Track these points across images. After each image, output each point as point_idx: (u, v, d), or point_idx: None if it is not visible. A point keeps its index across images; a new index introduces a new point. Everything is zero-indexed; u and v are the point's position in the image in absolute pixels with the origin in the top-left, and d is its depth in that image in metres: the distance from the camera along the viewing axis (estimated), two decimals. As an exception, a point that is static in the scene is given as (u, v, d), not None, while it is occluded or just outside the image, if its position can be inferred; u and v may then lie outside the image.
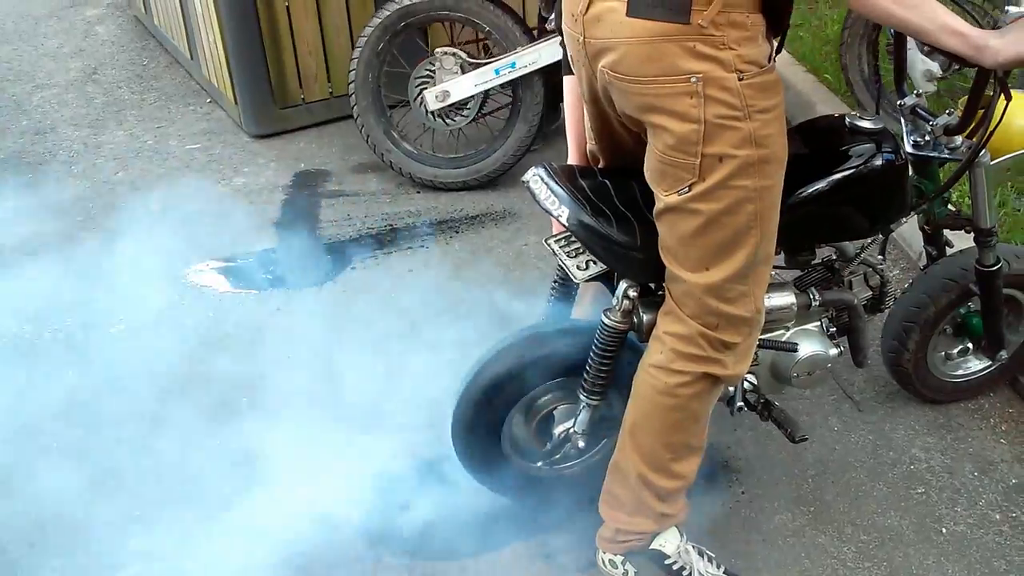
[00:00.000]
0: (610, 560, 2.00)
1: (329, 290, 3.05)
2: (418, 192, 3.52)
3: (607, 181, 1.84)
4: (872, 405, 2.51)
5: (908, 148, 2.00)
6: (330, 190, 3.56)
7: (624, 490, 1.90)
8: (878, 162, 1.84)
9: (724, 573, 1.97)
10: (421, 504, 2.24)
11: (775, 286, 1.96)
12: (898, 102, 2.06)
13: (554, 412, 2.09)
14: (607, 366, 1.89)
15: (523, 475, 2.14)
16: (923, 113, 2.01)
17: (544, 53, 3.26)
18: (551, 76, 3.27)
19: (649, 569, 2.00)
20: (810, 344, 2.02)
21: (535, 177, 1.86)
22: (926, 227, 2.24)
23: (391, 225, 3.37)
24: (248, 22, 3.60)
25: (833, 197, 1.84)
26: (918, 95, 2.04)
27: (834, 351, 2.04)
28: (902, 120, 2.05)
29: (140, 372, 2.64)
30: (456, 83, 3.33)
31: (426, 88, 3.36)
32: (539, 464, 2.14)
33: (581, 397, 1.95)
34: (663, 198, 1.62)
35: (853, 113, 1.94)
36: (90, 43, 4.82)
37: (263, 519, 2.14)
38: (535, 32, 3.37)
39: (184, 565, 2.08)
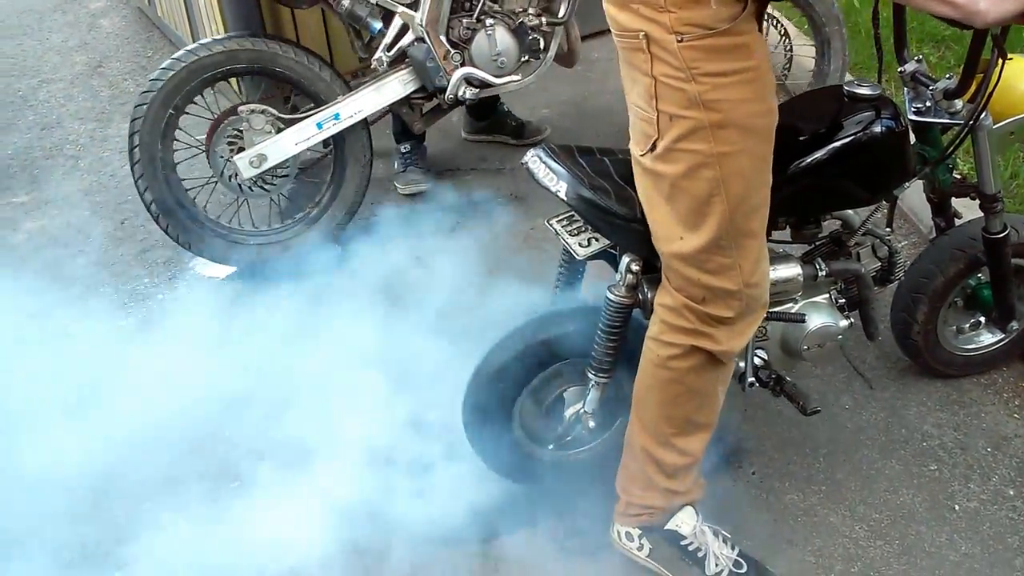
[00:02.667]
0: (626, 533, 1.99)
1: (336, 277, 3.04)
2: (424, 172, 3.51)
3: (605, 158, 1.86)
4: (884, 383, 2.50)
5: (910, 115, 1.99)
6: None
7: (634, 464, 1.91)
8: (878, 129, 1.84)
9: (739, 555, 1.96)
10: (431, 490, 2.24)
11: (780, 258, 1.96)
12: (899, 69, 2.05)
13: (564, 395, 2.09)
14: (614, 342, 1.90)
15: (535, 461, 2.14)
16: (923, 79, 2.00)
17: (368, 100, 2.98)
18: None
19: (665, 549, 1.98)
20: (819, 316, 2.01)
21: (534, 157, 1.87)
22: (932, 196, 2.23)
23: (396, 210, 3.36)
24: (251, 12, 3.56)
25: (834, 166, 1.84)
26: (918, 61, 2.03)
27: (844, 323, 2.04)
28: (904, 87, 2.05)
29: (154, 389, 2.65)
30: (272, 144, 2.90)
31: (232, 153, 2.93)
32: (551, 448, 2.15)
33: (589, 375, 1.96)
34: (638, 158, 1.64)
35: (852, 80, 1.93)
36: (94, 36, 4.83)
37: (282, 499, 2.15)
38: (347, 78, 3.08)
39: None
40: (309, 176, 3.20)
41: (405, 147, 3.50)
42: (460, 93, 3.01)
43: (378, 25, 3.04)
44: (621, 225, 1.77)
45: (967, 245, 2.22)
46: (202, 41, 2.89)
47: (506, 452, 2.10)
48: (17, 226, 3.36)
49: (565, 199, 1.79)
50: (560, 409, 2.10)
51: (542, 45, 3.06)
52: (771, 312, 1.93)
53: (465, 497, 2.18)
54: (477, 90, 3.05)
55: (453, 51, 2.99)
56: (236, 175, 2.93)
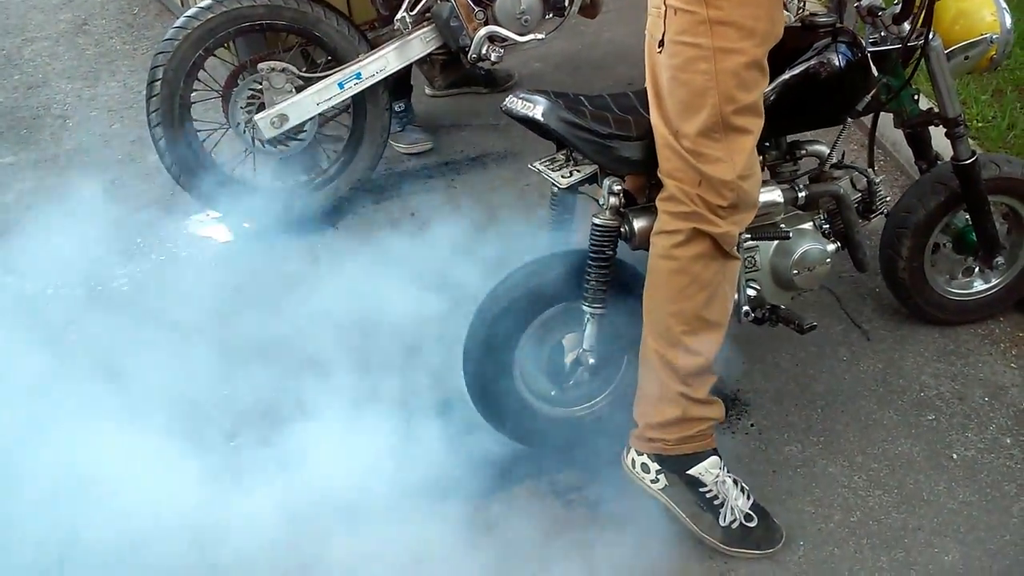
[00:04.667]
0: (642, 464, 1.95)
1: (332, 236, 3.03)
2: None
3: (580, 96, 1.94)
4: (881, 334, 2.50)
5: (868, 48, 2.05)
6: (334, 135, 3.51)
7: (648, 376, 1.91)
8: (836, 51, 1.92)
9: (752, 507, 1.96)
10: (431, 446, 2.25)
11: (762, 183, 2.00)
12: (854, 4, 2.12)
13: (563, 342, 2.10)
14: (604, 269, 1.94)
15: (542, 421, 2.15)
16: (876, 10, 2.09)
17: (391, 58, 2.92)
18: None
19: (683, 491, 1.93)
20: (805, 240, 2.10)
21: (511, 98, 1.96)
22: (905, 129, 2.30)
23: (391, 169, 3.33)
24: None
25: (798, 89, 1.92)
26: None
27: (831, 246, 2.13)
28: (863, 21, 2.14)
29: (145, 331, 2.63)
30: (294, 104, 2.87)
31: (252, 111, 2.91)
32: (556, 404, 2.15)
33: (584, 309, 1.98)
34: (654, 57, 1.77)
35: (811, 13, 2.00)
36: (78, -7, 4.74)
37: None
38: (367, 33, 3.02)
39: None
40: (323, 140, 3.17)
41: (400, 106, 3.46)
42: (484, 51, 2.97)
43: None
44: (598, 143, 1.85)
45: (947, 179, 2.27)
46: None
47: (512, 413, 2.11)
48: (7, 187, 3.32)
49: (542, 120, 1.85)
50: (561, 359, 2.10)
51: (567, 0, 3.03)
52: (756, 227, 1.99)
53: (467, 452, 2.19)
54: (502, 50, 3.00)
55: (477, 9, 2.95)
56: (255, 133, 2.91)
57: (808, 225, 2.14)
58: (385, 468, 2.15)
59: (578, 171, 1.97)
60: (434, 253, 2.72)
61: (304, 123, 2.93)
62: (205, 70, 2.88)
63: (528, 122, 1.91)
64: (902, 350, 2.45)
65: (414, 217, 3.08)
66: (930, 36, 2.03)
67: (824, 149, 2.13)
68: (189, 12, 2.82)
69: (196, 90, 2.88)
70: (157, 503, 2.03)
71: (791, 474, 2.14)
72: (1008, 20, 2.18)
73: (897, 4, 2.07)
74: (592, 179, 1.99)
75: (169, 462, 2.13)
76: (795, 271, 2.10)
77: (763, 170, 2.04)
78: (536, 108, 1.87)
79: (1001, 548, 1.94)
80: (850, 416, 2.27)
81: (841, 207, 2.16)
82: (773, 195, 2.04)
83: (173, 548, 1.98)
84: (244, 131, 2.96)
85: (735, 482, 1.96)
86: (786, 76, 1.91)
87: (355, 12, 3.32)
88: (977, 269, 2.46)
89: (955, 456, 2.16)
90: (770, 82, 1.83)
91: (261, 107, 2.91)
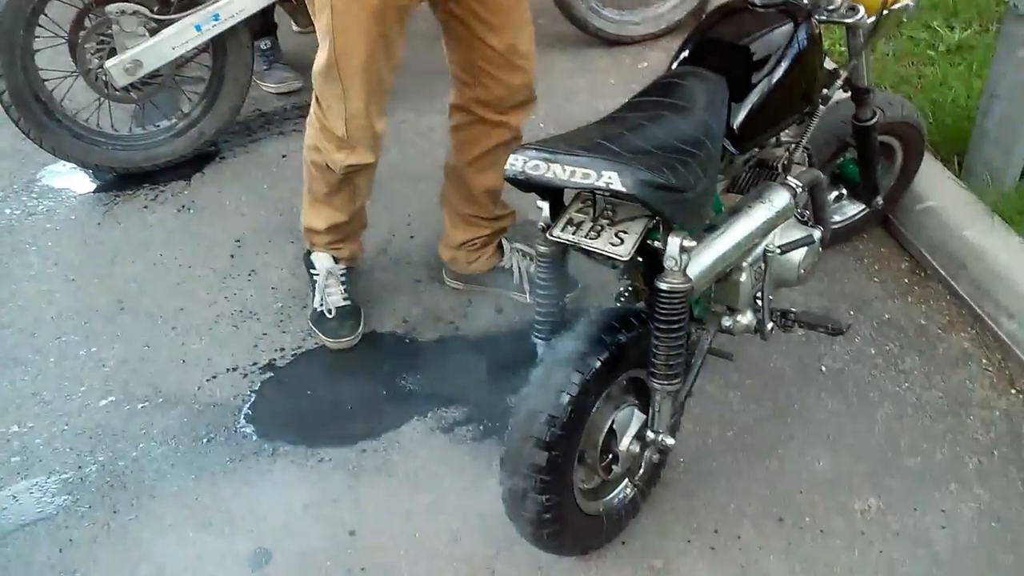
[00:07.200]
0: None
1: (198, 182, 2.92)
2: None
3: (609, 127, 1.60)
4: (753, 256, 2.56)
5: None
6: (195, 76, 3.37)
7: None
8: (802, 34, 1.79)
9: (339, 308, 2.34)
10: (314, 390, 2.22)
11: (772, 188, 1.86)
12: None
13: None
14: (681, 339, 1.61)
15: None
16: None
17: None
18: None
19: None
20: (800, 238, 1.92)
21: (519, 159, 1.52)
22: None
23: (259, 110, 3.22)
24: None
25: (781, 80, 1.76)
26: None
27: (818, 233, 1.94)
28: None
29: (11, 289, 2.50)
30: (148, 49, 2.71)
31: (103, 57, 2.73)
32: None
33: (656, 387, 1.65)
34: None
35: None
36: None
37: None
38: None
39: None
40: (183, 82, 2.99)
41: (265, 44, 3.34)
42: None
43: None
44: (682, 199, 1.47)
45: (838, 129, 2.28)
46: None
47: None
48: None
49: (629, 191, 1.42)
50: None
51: None
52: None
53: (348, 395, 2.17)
54: None
55: None
56: (107, 80, 2.74)
57: (790, 222, 1.92)
58: (271, 411, 2.12)
59: (624, 233, 1.56)
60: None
61: (160, 68, 2.77)
62: (46, 14, 2.68)
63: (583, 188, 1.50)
64: (773, 270, 2.52)
65: (285, 159, 2.99)
66: (858, 12, 1.90)
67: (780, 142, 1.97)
68: None
69: (39, 36, 2.68)
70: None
71: (671, 395, 2.19)
72: None
73: None
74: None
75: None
76: (802, 270, 1.92)
77: (758, 177, 1.93)
78: (597, 175, 1.44)
79: (867, 452, 2.04)
80: (723, 337, 2.32)
81: (817, 191, 1.98)
82: (784, 199, 1.84)
83: None
84: (96, 78, 2.78)
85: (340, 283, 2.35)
86: (768, 69, 1.74)
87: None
88: (847, 193, 2.53)
89: (824, 368, 2.25)
90: (754, 79, 1.73)
91: (113, 52, 2.73)
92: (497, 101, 2.13)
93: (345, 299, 2.34)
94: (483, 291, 2.45)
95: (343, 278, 2.36)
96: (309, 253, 2.40)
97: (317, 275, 2.36)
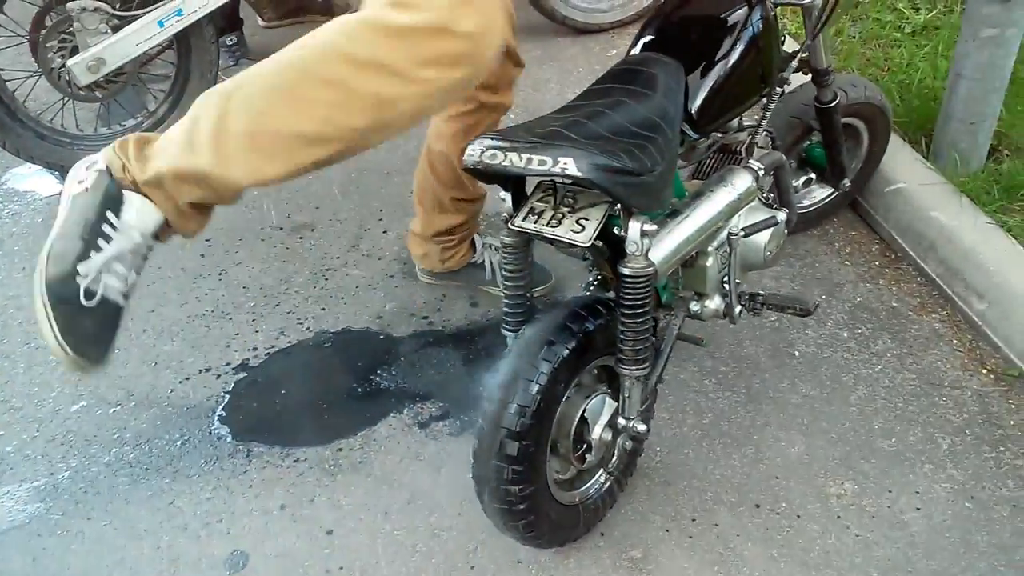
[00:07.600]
0: None
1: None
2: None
3: (566, 115, 1.58)
4: (725, 242, 2.57)
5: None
6: (161, 74, 3.33)
7: None
8: (757, 16, 1.79)
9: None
10: (288, 389, 2.20)
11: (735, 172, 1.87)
12: None
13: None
14: (646, 324, 1.61)
15: None
16: None
17: None
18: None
19: None
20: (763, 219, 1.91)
21: (476, 149, 1.51)
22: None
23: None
24: None
25: (737, 64, 1.77)
26: None
27: (782, 215, 1.93)
28: None
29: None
30: (111, 46, 2.68)
31: (65, 56, 2.69)
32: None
33: (624, 373, 1.65)
34: None
35: None
36: None
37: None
38: None
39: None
40: (148, 79, 2.96)
41: (231, 39, 3.30)
42: None
43: None
44: (637, 184, 1.46)
45: (802, 113, 2.29)
46: None
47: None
48: None
49: (583, 176, 1.41)
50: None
51: None
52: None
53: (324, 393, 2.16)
54: None
55: None
56: (70, 79, 2.69)
57: (755, 204, 1.90)
58: (235, 405, 2.10)
59: (585, 219, 1.55)
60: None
61: (124, 65, 2.74)
62: (5, 13, 2.64)
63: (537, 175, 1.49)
64: (745, 256, 2.52)
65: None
66: None
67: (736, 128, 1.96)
68: None
69: None
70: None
71: (646, 384, 2.19)
72: None
73: None
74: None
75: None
76: (768, 252, 1.90)
77: (722, 162, 1.94)
78: (553, 161, 1.43)
79: (842, 436, 2.05)
80: (696, 324, 2.32)
81: (781, 173, 2.00)
82: (746, 182, 1.84)
83: None
84: (59, 77, 2.73)
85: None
86: (724, 53, 1.74)
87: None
88: (816, 178, 2.54)
89: (797, 353, 2.26)
90: (712, 62, 1.72)
91: (75, 50, 2.69)
92: (495, 81, 2.04)
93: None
94: (457, 286, 2.44)
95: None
96: None
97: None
